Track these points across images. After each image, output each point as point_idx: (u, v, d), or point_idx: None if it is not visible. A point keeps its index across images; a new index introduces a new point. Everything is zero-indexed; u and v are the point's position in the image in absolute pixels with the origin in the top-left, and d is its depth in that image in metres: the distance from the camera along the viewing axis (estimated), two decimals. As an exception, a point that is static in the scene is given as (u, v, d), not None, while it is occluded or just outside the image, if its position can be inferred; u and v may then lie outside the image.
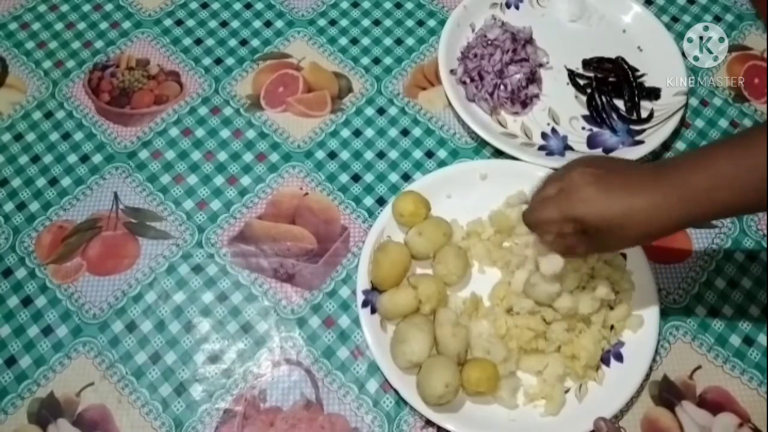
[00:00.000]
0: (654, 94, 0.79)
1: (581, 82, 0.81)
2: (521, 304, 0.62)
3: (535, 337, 0.62)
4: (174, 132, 0.77)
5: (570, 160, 0.56)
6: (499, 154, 0.75)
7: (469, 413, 0.61)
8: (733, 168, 0.48)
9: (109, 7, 0.87)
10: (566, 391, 0.63)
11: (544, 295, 0.61)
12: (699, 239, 0.72)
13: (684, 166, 0.50)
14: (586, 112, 0.79)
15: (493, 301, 0.66)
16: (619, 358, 0.64)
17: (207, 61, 0.82)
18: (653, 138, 0.75)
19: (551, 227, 0.54)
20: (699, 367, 0.66)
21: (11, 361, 0.64)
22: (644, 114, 0.78)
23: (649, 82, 0.80)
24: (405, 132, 0.78)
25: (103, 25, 0.85)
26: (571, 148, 0.76)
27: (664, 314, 0.67)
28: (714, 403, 0.64)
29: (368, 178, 0.75)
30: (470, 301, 0.66)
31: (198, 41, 0.84)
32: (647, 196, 0.50)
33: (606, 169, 0.53)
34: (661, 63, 0.81)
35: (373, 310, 0.65)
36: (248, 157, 0.76)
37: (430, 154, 0.77)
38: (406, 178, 0.75)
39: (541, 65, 0.82)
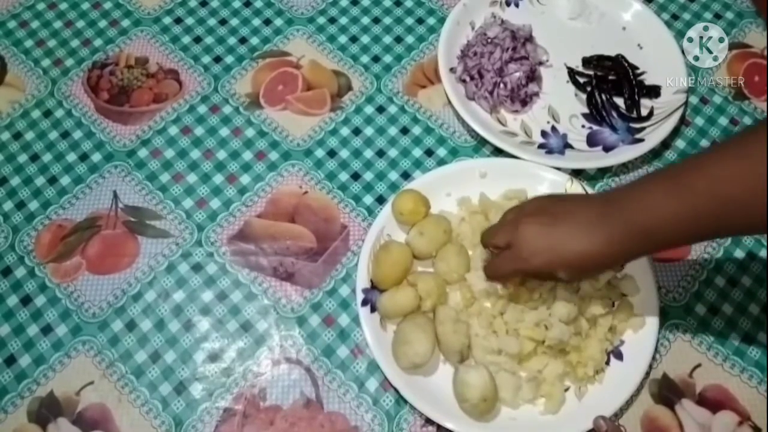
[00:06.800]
0: (654, 92, 0.79)
1: (581, 80, 0.80)
2: (523, 316, 0.62)
3: (535, 348, 0.62)
4: (173, 130, 0.77)
5: (515, 206, 0.61)
6: (498, 152, 0.75)
7: (469, 412, 0.61)
8: (665, 201, 0.50)
9: (108, 5, 0.86)
10: (566, 390, 0.63)
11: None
12: (699, 237, 0.72)
13: (625, 202, 0.52)
14: (586, 110, 0.79)
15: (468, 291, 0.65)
16: (619, 356, 0.64)
17: (206, 59, 0.82)
18: (653, 136, 0.75)
19: (510, 277, 0.61)
20: (699, 365, 0.66)
21: (11, 360, 0.64)
22: (644, 112, 0.78)
23: (649, 80, 0.80)
24: (404, 130, 0.78)
25: (102, 24, 0.85)
26: (571, 146, 0.76)
27: (664, 312, 0.67)
28: (714, 401, 0.64)
29: (368, 176, 0.75)
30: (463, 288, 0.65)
31: (197, 39, 0.84)
32: (592, 241, 0.53)
33: (551, 216, 0.55)
34: (661, 61, 0.81)
35: (373, 309, 0.65)
36: (248, 155, 0.76)
37: (429, 153, 0.76)
38: (406, 176, 0.75)
39: (540, 63, 0.82)
